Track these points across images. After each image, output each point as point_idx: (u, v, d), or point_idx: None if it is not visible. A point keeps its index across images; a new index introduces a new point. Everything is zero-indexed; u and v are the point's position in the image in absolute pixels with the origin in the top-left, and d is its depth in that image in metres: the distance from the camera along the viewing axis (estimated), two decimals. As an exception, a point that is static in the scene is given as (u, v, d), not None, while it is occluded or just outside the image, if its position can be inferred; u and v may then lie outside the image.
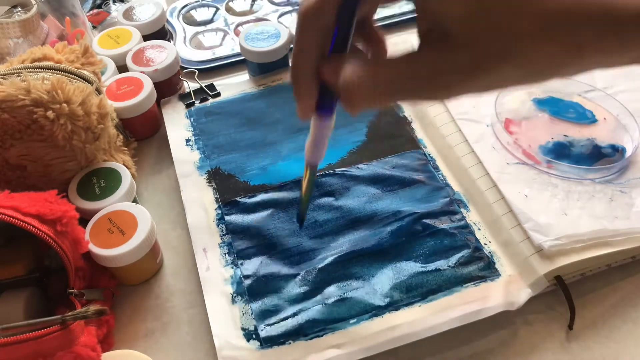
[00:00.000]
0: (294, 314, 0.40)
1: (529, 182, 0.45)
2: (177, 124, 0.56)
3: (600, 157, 0.47)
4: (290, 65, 0.30)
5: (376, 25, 0.31)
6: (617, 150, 0.48)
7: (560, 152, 0.47)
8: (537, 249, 0.41)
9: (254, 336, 0.40)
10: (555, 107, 0.51)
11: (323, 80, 0.29)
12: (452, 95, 0.25)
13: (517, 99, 0.52)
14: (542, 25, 0.22)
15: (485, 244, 0.43)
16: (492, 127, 0.50)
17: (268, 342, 0.39)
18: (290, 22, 0.59)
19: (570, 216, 0.42)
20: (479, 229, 0.44)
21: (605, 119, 0.50)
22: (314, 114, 0.32)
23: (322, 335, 0.39)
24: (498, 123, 0.49)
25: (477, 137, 0.49)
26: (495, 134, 0.49)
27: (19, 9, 0.58)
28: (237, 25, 0.68)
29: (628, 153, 0.47)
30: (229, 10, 0.71)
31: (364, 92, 0.27)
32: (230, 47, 0.65)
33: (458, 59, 0.24)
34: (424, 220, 0.45)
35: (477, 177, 0.47)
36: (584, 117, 0.51)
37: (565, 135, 0.49)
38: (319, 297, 0.41)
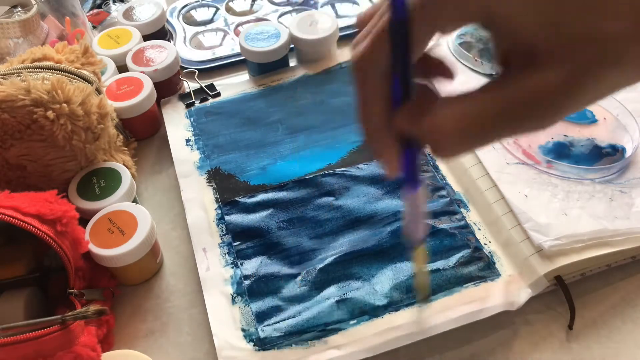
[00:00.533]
0: (294, 315, 0.40)
1: (529, 182, 0.45)
2: (177, 124, 0.56)
3: (600, 157, 0.47)
4: (359, 122, 0.27)
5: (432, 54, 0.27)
6: (617, 150, 0.48)
7: (560, 152, 0.47)
8: (537, 249, 0.41)
9: (253, 337, 0.40)
10: None
11: (400, 131, 0.26)
12: (558, 116, 0.21)
13: None
14: (636, 19, 0.18)
15: (485, 244, 0.43)
16: None
17: (268, 343, 0.39)
18: (290, 22, 0.59)
19: (570, 216, 0.42)
20: (479, 229, 0.44)
21: (605, 118, 0.50)
22: (404, 190, 0.29)
23: (322, 336, 0.39)
24: None
25: None
26: None
27: (19, 9, 0.58)
28: (237, 25, 0.68)
29: (628, 153, 0.47)
30: (229, 10, 0.71)
31: (456, 134, 0.22)
32: (230, 47, 0.65)
33: (553, 75, 0.20)
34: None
35: (477, 177, 0.47)
36: (584, 116, 0.51)
37: (565, 135, 0.49)
38: (319, 297, 0.41)
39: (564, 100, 0.21)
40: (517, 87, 0.21)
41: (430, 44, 0.24)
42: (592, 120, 0.50)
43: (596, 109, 0.51)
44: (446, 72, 0.27)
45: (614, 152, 0.47)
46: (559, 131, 0.49)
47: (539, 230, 0.41)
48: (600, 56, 0.19)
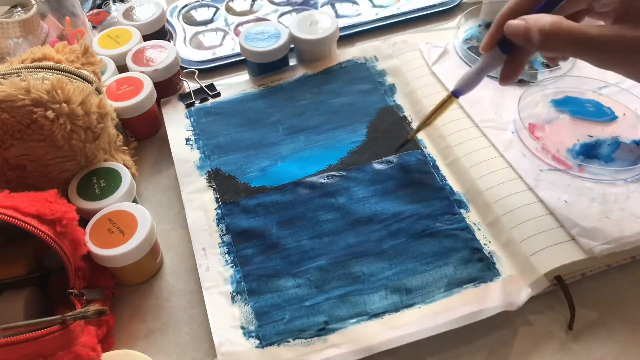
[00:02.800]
0: (293, 314, 0.40)
1: (565, 187, 0.45)
2: (177, 124, 0.56)
3: (627, 153, 0.47)
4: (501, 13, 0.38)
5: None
6: None
7: (588, 153, 0.47)
8: (537, 249, 0.41)
9: (253, 335, 0.40)
10: (574, 107, 0.51)
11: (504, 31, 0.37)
12: None
13: (535, 101, 0.52)
14: None
15: (485, 244, 0.43)
16: (518, 134, 0.50)
17: (267, 341, 0.39)
18: (290, 22, 0.59)
19: (612, 219, 0.42)
20: (479, 229, 0.44)
21: (624, 114, 0.50)
22: (497, 47, 0.39)
23: (321, 335, 0.39)
24: (523, 129, 0.49)
25: (506, 144, 0.49)
26: (522, 140, 0.49)
27: (19, 9, 0.58)
28: (237, 25, 0.68)
29: None
30: (229, 10, 0.71)
31: (562, 38, 0.34)
32: (230, 47, 0.65)
33: None
34: (424, 221, 0.45)
35: (477, 177, 0.47)
36: (604, 113, 0.50)
37: (589, 136, 0.49)
38: (318, 297, 0.41)
39: None
40: (628, 35, 0.33)
41: None
42: (612, 117, 0.50)
43: (614, 104, 0.51)
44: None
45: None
46: (583, 132, 0.49)
47: (587, 235, 0.41)
48: None
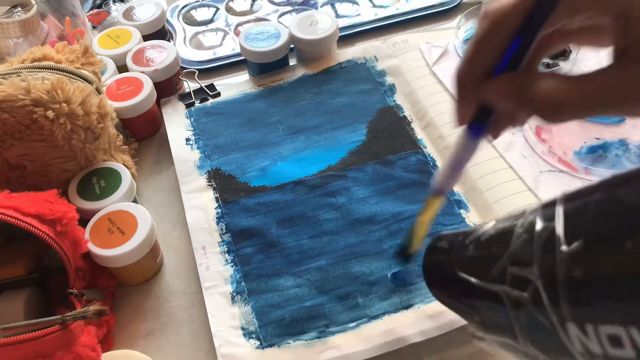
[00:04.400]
0: (294, 314, 0.40)
1: (565, 188, 0.45)
2: (177, 124, 0.56)
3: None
4: (458, 67, 0.29)
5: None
6: None
7: (596, 156, 0.47)
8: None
9: (253, 336, 0.40)
10: None
11: (484, 99, 0.28)
12: None
13: None
14: None
15: (485, 244, 0.43)
16: (524, 135, 0.49)
17: (267, 342, 0.39)
18: (290, 22, 0.59)
19: None
20: (479, 229, 0.44)
21: None
22: (466, 130, 0.30)
23: (321, 337, 0.39)
24: (529, 131, 0.49)
25: (506, 145, 0.49)
26: (528, 142, 0.49)
27: (19, 9, 0.58)
28: (237, 25, 0.68)
29: None
30: (229, 10, 0.71)
31: (569, 106, 0.25)
32: (230, 47, 0.65)
33: None
34: (424, 221, 0.45)
35: (477, 177, 0.47)
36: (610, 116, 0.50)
37: (597, 138, 0.49)
38: (318, 297, 0.41)
39: None
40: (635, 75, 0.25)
41: (556, 26, 0.27)
42: (620, 119, 0.50)
43: None
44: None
45: None
46: (590, 134, 0.49)
47: None
48: None
